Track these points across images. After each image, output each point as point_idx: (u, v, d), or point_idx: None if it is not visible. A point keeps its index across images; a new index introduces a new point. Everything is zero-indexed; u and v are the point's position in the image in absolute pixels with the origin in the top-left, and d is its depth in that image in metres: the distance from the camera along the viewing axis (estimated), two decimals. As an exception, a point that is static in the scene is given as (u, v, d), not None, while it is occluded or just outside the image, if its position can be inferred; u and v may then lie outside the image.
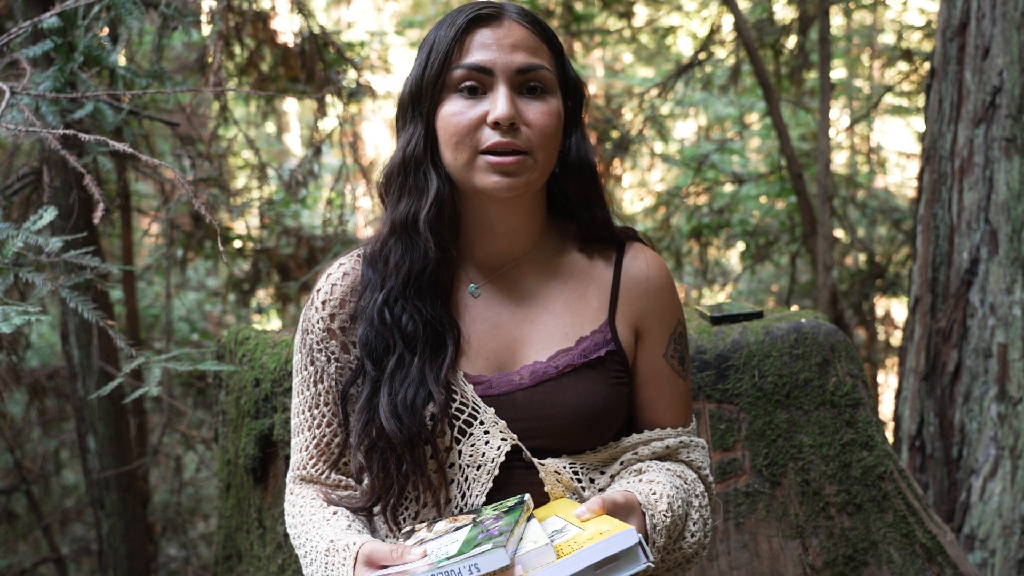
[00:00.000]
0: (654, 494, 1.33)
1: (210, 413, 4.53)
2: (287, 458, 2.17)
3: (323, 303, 1.45)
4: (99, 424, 3.40)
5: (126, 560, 3.50)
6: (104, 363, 3.31)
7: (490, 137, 1.32)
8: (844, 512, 2.17)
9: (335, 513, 1.41)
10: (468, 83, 1.33)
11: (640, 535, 1.16)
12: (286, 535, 2.19)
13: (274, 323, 5.50)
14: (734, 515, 2.14)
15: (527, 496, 1.29)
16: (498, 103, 1.31)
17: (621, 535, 1.12)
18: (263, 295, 5.01)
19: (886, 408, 6.57)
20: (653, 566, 1.19)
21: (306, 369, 1.47)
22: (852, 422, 2.18)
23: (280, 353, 2.21)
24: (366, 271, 1.42)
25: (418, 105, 1.37)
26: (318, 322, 1.45)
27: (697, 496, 1.42)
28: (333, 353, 1.44)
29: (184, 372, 2.31)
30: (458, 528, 1.24)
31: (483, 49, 1.33)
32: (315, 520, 1.41)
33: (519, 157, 1.32)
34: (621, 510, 1.26)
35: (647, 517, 1.30)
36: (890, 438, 3.66)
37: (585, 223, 1.47)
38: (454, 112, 1.33)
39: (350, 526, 1.39)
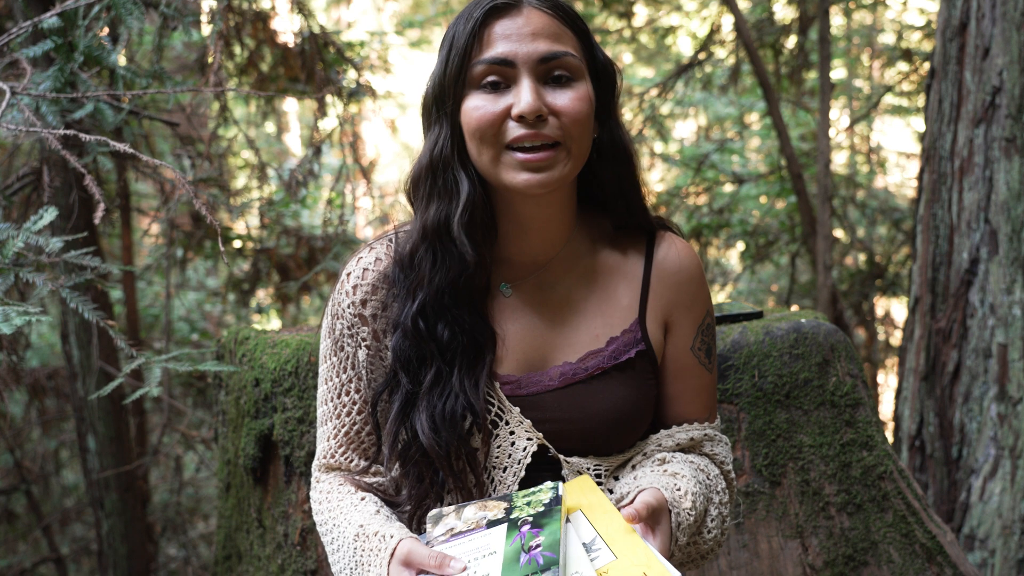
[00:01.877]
0: (679, 490, 1.31)
1: (210, 413, 4.53)
2: (287, 458, 2.17)
3: (354, 287, 1.40)
4: (99, 424, 3.40)
5: (126, 560, 3.50)
6: (104, 363, 3.31)
7: (515, 130, 1.26)
8: (844, 512, 2.17)
9: (363, 499, 1.38)
10: (491, 78, 1.27)
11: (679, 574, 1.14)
12: (286, 535, 2.19)
13: (274, 323, 5.50)
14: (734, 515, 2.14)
15: (560, 489, 1.23)
16: (522, 95, 1.25)
17: None
18: (263, 295, 5.01)
19: (886, 408, 6.56)
20: None
21: (335, 355, 1.42)
22: (852, 422, 2.18)
23: (280, 353, 2.21)
24: (396, 272, 1.37)
25: (442, 104, 1.32)
26: (348, 307, 1.40)
27: (717, 492, 1.41)
28: (364, 340, 1.39)
29: (184, 372, 2.31)
30: (491, 523, 1.21)
31: (503, 41, 1.27)
32: (343, 506, 1.38)
33: (549, 152, 1.27)
34: (655, 513, 1.25)
35: (672, 515, 1.29)
36: (890, 438, 3.66)
37: (621, 213, 1.42)
38: (476, 107, 1.27)
39: (379, 511, 1.36)
